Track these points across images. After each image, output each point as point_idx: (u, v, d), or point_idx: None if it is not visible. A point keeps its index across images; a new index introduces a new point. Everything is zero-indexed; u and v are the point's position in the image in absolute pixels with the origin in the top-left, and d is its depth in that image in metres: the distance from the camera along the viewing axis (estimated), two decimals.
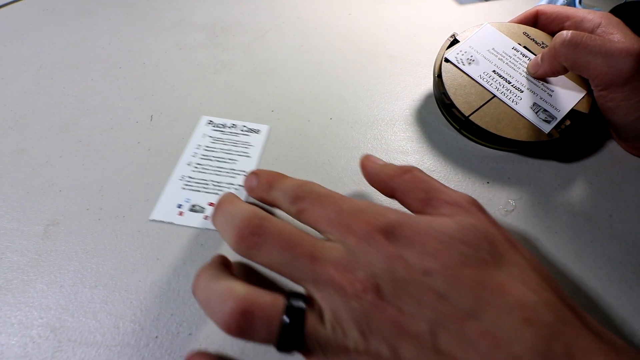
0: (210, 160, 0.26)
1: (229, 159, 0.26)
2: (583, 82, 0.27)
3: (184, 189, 0.25)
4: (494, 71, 0.27)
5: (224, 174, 0.25)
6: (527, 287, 0.15)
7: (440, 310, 0.14)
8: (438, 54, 0.29)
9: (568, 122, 0.26)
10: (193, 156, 0.26)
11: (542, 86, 0.27)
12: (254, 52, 0.35)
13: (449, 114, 0.27)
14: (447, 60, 0.28)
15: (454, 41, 0.29)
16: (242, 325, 0.14)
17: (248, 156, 0.27)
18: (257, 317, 0.14)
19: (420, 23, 0.39)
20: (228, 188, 0.25)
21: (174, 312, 0.20)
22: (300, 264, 0.16)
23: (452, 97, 0.26)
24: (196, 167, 0.26)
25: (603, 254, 0.22)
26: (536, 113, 0.26)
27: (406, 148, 0.28)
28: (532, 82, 0.27)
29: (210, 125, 0.28)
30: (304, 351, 0.15)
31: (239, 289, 0.15)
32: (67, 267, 0.21)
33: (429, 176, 0.19)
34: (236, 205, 0.18)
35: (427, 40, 0.37)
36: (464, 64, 0.27)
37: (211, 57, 0.34)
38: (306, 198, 0.18)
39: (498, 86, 0.27)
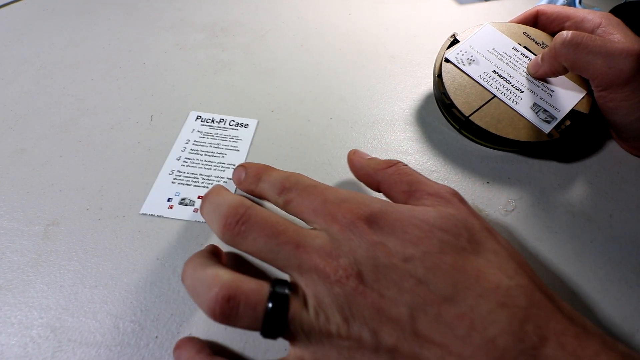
0: (200, 154, 0.26)
1: (218, 153, 0.27)
2: (583, 82, 0.27)
3: (173, 183, 0.25)
4: (494, 71, 0.27)
5: (213, 167, 0.26)
6: (503, 273, 0.15)
7: (420, 295, 0.14)
8: (438, 54, 0.29)
9: (568, 122, 0.26)
10: (182, 150, 0.27)
11: (542, 86, 0.27)
12: (254, 52, 0.35)
13: (449, 114, 0.27)
14: (447, 60, 0.28)
15: (454, 41, 0.29)
16: (227, 311, 0.15)
17: (237, 150, 0.27)
18: (242, 303, 0.15)
19: (420, 23, 0.39)
20: (217, 181, 0.25)
21: (174, 312, 0.20)
22: (285, 252, 0.16)
23: (452, 97, 0.26)
24: (185, 162, 0.26)
25: (603, 254, 0.22)
26: (536, 113, 0.26)
27: (406, 148, 0.28)
28: (532, 82, 0.27)
29: (199, 120, 0.29)
30: (289, 337, 0.15)
31: (225, 276, 0.15)
32: (67, 267, 0.21)
33: (413, 169, 0.19)
34: (222, 195, 0.18)
35: (427, 40, 0.37)
36: (464, 64, 0.27)
37: (211, 57, 0.34)
38: (293, 189, 0.18)
39: (498, 86, 0.27)
